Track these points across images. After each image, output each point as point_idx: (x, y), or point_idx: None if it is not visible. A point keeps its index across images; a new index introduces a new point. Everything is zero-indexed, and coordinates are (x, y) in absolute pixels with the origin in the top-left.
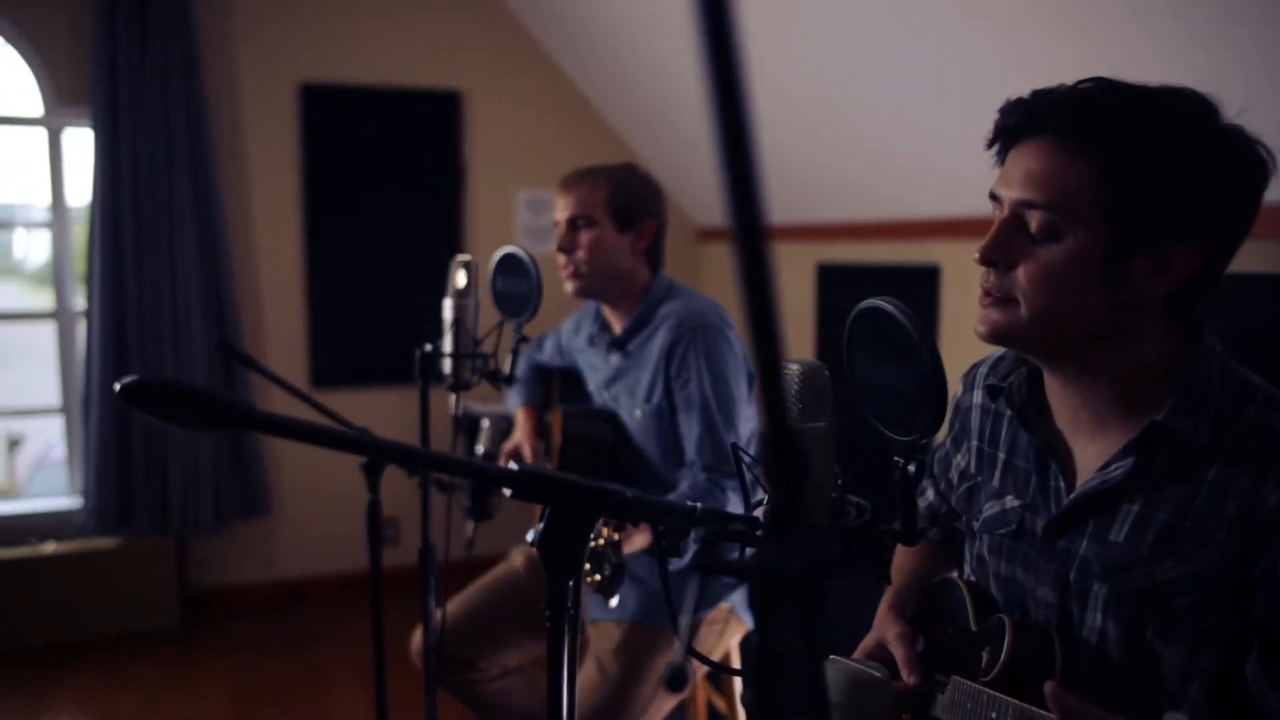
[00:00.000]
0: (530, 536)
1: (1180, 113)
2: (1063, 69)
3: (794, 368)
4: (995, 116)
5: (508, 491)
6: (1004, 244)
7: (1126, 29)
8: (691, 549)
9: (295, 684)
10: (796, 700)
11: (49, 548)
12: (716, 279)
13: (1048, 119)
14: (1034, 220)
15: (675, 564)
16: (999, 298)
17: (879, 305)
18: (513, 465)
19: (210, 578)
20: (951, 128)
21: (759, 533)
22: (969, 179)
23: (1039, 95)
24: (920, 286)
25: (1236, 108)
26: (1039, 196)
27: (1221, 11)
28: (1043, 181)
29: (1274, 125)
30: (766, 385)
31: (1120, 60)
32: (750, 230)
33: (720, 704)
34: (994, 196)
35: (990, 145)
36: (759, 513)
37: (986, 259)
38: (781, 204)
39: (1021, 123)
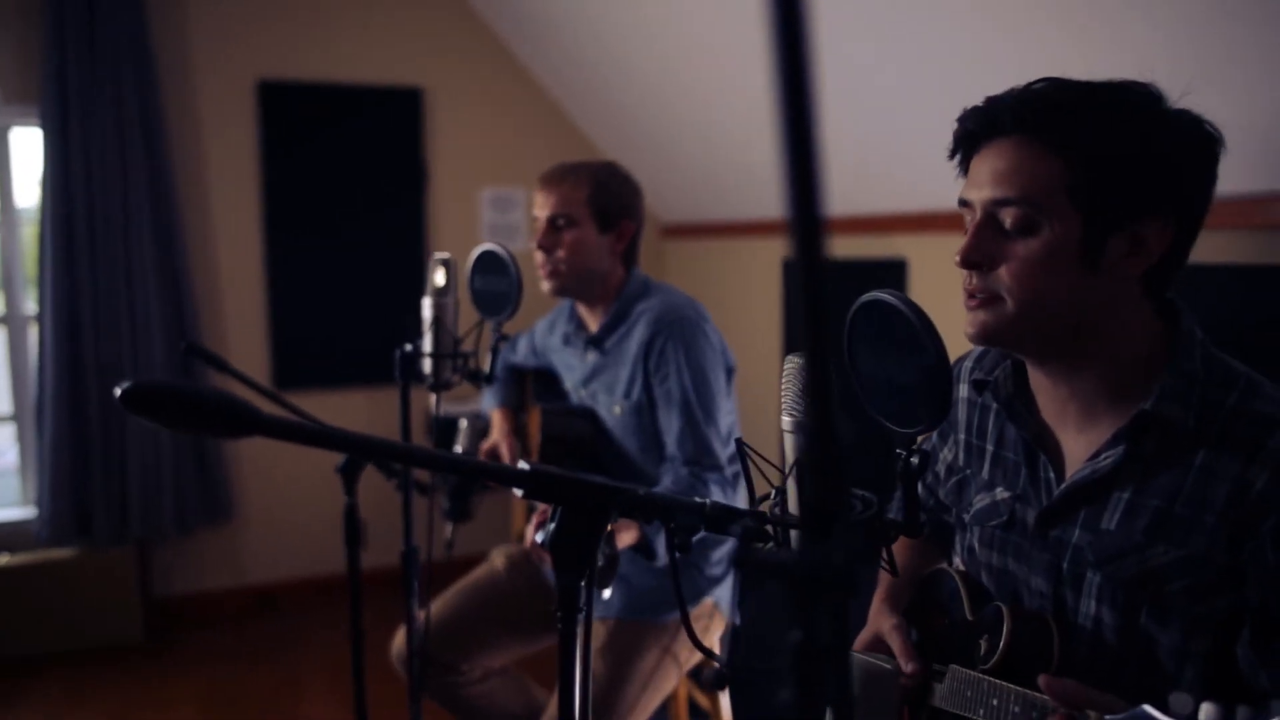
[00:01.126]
0: (540, 538)
1: (1132, 98)
2: (1037, 67)
3: (798, 362)
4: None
5: (519, 492)
6: (983, 244)
7: (1105, 25)
8: (661, 547)
9: (268, 694)
10: (825, 695)
11: (2, 560)
12: (680, 275)
13: (1006, 120)
14: (1009, 217)
15: (661, 562)
16: (985, 298)
17: (881, 298)
18: (523, 465)
19: (175, 586)
20: (917, 123)
21: (769, 528)
22: (935, 174)
23: (994, 100)
24: (887, 281)
25: (1207, 105)
26: (1011, 193)
27: (1222, 12)
28: (1013, 178)
29: (1276, 123)
30: (814, 380)
31: (1105, 58)
32: (809, 225)
33: (703, 701)
34: (964, 202)
35: (952, 155)
36: (765, 508)
37: (968, 261)
38: (747, 199)
39: (981, 128)
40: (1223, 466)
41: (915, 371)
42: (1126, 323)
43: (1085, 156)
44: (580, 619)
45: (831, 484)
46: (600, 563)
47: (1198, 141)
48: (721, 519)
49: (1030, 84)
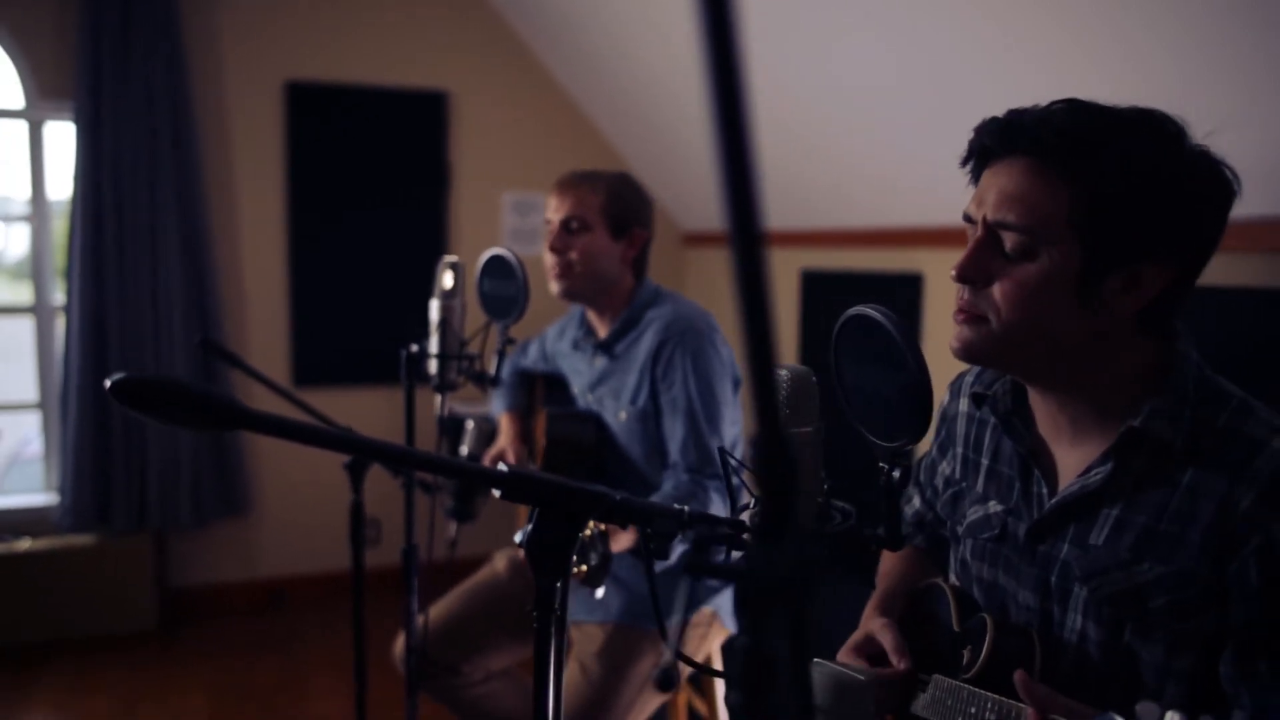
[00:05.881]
0: (518, 538)
1: (1151, 136)
2: (1051, 81)
3: (782, 373)
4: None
5: (497, 493)
6: (980, 262)
7: (1118, 43)
8: (677, 550)
9: (275, 686)
10: (782, 703)
11: (24, 545)
12: (702, 283)
13: (1022, 140)
14: (1009, 240)
15: (660, 565)
16: (971, 315)
17: (866, 312)
18: (501, 466)
19: (189, 577)
20: (936, 137)
21: (747, 536)
22: (953, 188)
23: (1014, 116)
24: (903, 294)
25: (1212, 122)
26: (1014, 217)
27: (1233, 33)
28: (1018, 202)
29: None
30: (759, 390)
31: (1113, 73)
32: (747, 236)
33: (701, 707)
34: (968, 218)
35: (965, 163)
36: (745, 516)
37: (963, 277)
38: (766, 210)
39: (996, 143)
40: (1209, 485)
41: (897, 386)
42: (1117, 349)
43: (1095, 195)
44: (555, 620)
45: (781, 493)
46: (594, 561)
47: (1213, 189)
48: (699, 526)
49: (1052, 104)
